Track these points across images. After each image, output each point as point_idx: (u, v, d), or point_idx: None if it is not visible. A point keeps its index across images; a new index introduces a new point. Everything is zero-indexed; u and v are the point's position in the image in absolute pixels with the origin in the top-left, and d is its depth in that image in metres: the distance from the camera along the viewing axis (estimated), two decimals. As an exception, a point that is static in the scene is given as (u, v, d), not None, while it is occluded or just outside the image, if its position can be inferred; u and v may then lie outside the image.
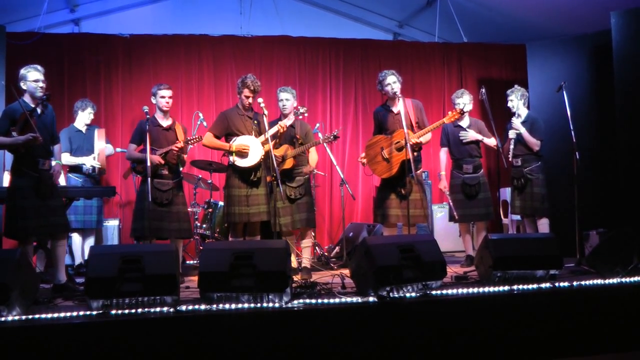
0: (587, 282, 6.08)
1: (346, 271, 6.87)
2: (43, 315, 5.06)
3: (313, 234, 8.41)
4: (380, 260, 5.52)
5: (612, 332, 5.71)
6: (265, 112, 7.14)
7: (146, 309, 5.14)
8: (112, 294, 5.16)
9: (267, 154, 7.13)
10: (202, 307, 5.22)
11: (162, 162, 7.29)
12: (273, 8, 11.51)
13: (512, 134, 8.27)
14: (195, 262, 9.13)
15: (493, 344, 5.45)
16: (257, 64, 11.12)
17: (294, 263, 7.69)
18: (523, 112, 8.43)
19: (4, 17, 9.62)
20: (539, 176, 8.25)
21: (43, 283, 6.87)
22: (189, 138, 7.51)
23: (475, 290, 5.81)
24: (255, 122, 7.56)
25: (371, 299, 5.42)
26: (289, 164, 7.58)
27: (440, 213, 10.72)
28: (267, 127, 7.10)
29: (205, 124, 9.15)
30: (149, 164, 6.93)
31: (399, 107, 7.53)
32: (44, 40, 10.17)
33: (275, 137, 7.46)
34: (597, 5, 9.52)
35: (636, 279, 6.08)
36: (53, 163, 6.70)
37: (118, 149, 9.61)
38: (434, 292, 5.64)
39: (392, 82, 7.63)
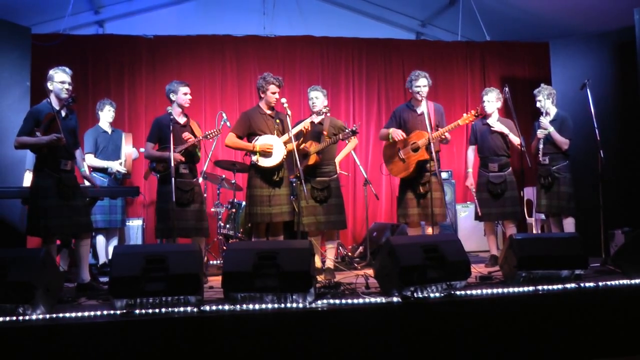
0: (613, 282, 6.02)
1: (370, 271, 6.86)
2: (67, 314, 5.09)
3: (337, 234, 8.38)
4: (405, 260, 5.50)
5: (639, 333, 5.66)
6: (289, 111, 7.13)
7: (170, 309, 5.15)
8: (136, 293, 5.18)
9: (290, 154, 7.13)
10: (226, 307, 5.22)
11: (183, 159, 7.31)
12: (296, 8, 11.51)
13: (540, 133, 8.19)
14: (219, 262, 9.15)
15: (518, 344, 5.41)
16: (280, 64, 11.12)
17: (318, 263, 7.67)
18: (552, 110, 8.33)
19: (29, 19, 9.68)
20: (567, 175, 8.18)
21: (67, 282, 6.92)
22: (207, 132, 7.54)
23: (500, 290, 5.78)
24: (277, 121, 7.54)
25: (395, 299, 5.41)
26: (312, 159, 7.55)
27: (464, 212, 10.67)
28: (290, 127, 7.10)
29: (228, 124, 9.15)
30: (172, 163, 6.94)
31: (422, 108, 7.53)
32: (69, 42, 10.26)
33: (299, 136, 7.45)
34: (621, 2, 9.44)
35: (663, 278, 6.03)
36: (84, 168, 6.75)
37: (142, 149, 9.63)
38: (458, 293, 5.61)
39: (423, 85, 7.66)
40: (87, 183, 7.27)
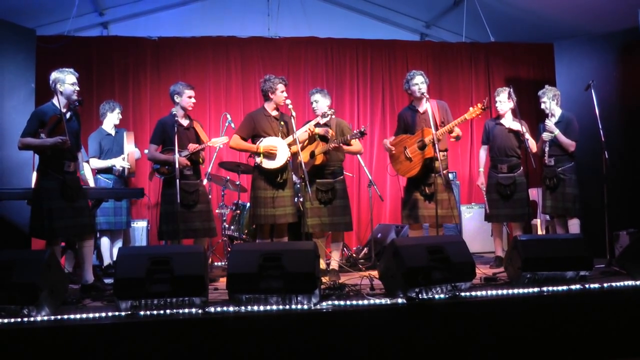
0: (618, 284, 6.03)
1: (375, 273, 6.85)
2: (72, 316, 5.12)
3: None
4: (409, 261, 5.49)
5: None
6: (293, 113, 7.14)
7: (174, 310, 5.16)
8: (141, 294, 5.19)
9: (295, 156, 7.13)
10: (231, 308, 5.23)
11: (189, 164, 7.32)
12: (300, 9, 11.51)
13: (546, 136, 8.17)
14: (223, 263, 9.15)
15: (522, 345, 5.41)
16: (284, 65, 11.13)
17: (322, 265, 7.66)
18: (557, 112, 8.31)
19: (34, 21, 9.71)
20: (572, 176, 8.16)
21: (71, 284, 6.92)
22: (214, 139, 7.53)
23: (505, 291, 5.78)
24: (282, 123, 7.54)
25: (400, 300, 5.42)
26: (318, 160, 7.54)
27: (469, 214, 10.66)
28: (294, 129, 7.10)
29: (233, 125, 9.16)
30: (177, 165, 6.94)
31: (424, 106, 7.54)
32: (73, 44, 10.28)
33: (312, 140, 7.45)
34: (625, 3, 9.42)
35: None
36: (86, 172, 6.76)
37: (146, 151, 9.62)
38: (463, 294, 5.62)
39: (420, 82, 7.62)
40: (91, 184, 7.28)
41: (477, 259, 8.47)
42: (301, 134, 7.36)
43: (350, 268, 8.25)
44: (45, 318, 5.07)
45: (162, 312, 5.12)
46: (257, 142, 7.37)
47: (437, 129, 7.26)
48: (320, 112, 7.68)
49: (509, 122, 8.25)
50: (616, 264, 7.11)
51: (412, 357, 5.19)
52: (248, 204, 8.54)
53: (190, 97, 7.51)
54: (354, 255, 9.44)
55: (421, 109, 7.70)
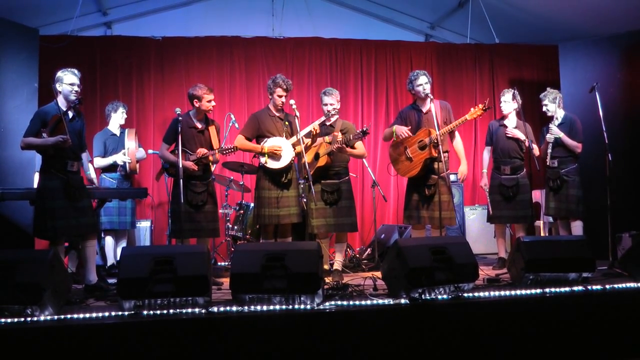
0: (620, 285, 6.02)
1: (378, 273, 6.84)
2: (75, 315, 5.11)
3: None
4: (412, 262, 5.49)
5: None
6: (297, 113, 7.15)
7: (178, 310, 5.16)
8: (144, 294, 5.19)
9: (299, 156, 7.13)
10: (234, 308, 5.23)
11: (196, 168, 7.31)
12: (305, 9, 11.51)
13: (550, 138, 8.16)
14: (227, 263, 9.15)
15: (525, 346, 5.41)
16: (288, 65, 11.14)
17: (326, 265, 7.65)
18: (560, 113, 8.31)
19: (37, 21, 9.71)
20: (575, 178, 8.16)
21: (75, 284, 6.93)
22: (223, 148, 7.45)
23: (508, 292, 5.78)
24: (286, 123, 7.54)
25: (403, 300, 5.41)
26: (322, 161, 7.52)
27: (472, 215, 10.66)
28: (299, 129, 7.10)
29: (237, 125, 9.17)
30: (180, 166, 6.94)
31: (428, 106, 7.53)
32: (77, 43, 10.29)
33: (308, 138, 7.44)
34: (630, 5, 9.42)
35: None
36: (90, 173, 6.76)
37: (150, 151, 9.63)
38: (466, 295, 5.61)
39: (424, 82, 7.60)
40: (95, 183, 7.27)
41: (481, 260, 8.51)
42: (305, 133, 7.36)
43: (353, 268, 8.27)
44: (49, 318, 5.07)
45: (165, 312, 5.12)
46: (262, 142, 7.37)
47: (439, 130, 7.25)
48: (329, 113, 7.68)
49: (512, 125, 8.25)
50: (618, 265, 7.11)
51: (415, 358, 5.19)
52: (252, 204, 8.54)
53: (209, 100, 7.46)
54: (358, 255, 9.44)
55: (424, 109, 7.68)
